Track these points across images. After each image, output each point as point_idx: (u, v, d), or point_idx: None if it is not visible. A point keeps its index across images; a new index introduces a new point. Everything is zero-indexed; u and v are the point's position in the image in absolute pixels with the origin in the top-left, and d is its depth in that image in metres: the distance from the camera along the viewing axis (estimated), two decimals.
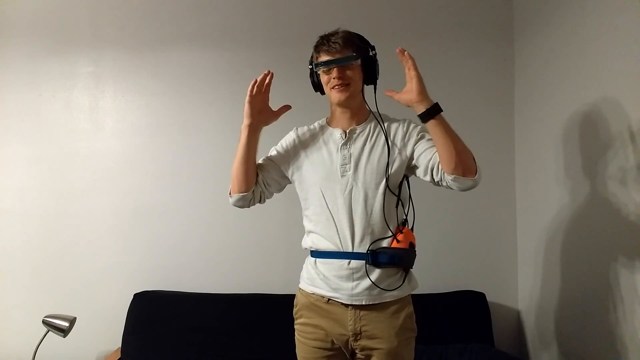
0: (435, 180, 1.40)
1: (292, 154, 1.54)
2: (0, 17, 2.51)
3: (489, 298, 2.30)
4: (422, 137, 1.45)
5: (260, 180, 1.53)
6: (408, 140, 1.46)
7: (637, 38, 1.56)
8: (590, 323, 1.83)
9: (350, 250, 1.43)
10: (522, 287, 2.40)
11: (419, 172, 1.45)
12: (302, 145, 1.54)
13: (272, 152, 1.59)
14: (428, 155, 1.41)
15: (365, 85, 1.51)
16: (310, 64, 1.51)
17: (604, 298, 1.74)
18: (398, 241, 1.42)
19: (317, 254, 1.50)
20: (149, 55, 2.50)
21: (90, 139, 2.50)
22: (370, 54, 1.46)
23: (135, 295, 2.37)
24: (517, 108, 2.42)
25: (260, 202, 1.57)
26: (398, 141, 1.47)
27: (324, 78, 1.47)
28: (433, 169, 1.40)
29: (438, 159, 1.37)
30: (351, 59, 1.41)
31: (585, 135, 1.85)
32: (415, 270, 1.49)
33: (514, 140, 2.43)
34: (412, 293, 1.49)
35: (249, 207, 1.57)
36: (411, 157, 1.45)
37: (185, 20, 2.50)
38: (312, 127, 1.58)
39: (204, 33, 2.50)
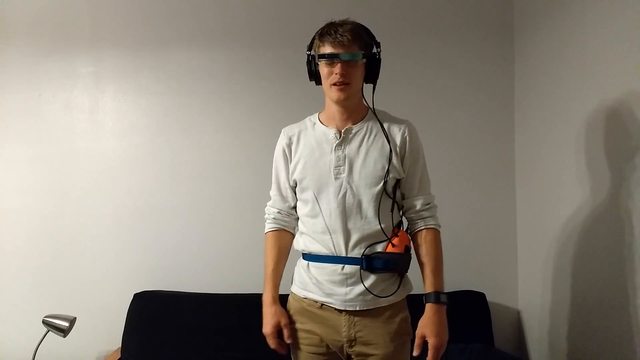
0: (402, 211, 1.49)
1: (287, 161, 1.50)
2: (0, 17, 2.51)
3: (489, 298, 2.30)
4: (415, 162, 1.45)
5: (289, 213, 1.53)
6: (404, 153, 1.43)
7: (637, 38, 1.56)
8: (591, 322, 1.83)
9: (343, 254, 1.38)
10: (522, 287, 2.40)
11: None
12: (294, 147, 1.49)
13: (275, 174, 1.54)
14: (407, 192, 1.46)
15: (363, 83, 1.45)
16: (309, 49, 1.43)
17: (604, 297, 1.74)
18: (393, 245, 1.38)
19: (309, 257, 1.45)
20: (149, 55, 2.50)
21: (90, 139, 2.50)
22: (375, 51, 1.40)
23: (135, 295, 2.36)
24: (517, 108, 2.41)
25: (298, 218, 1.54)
26: (396, 146, 1.42)
27: (323, 70, 1.38)
28: (404, 207, 1.48)
29: (411, 205, 1.46)
30: (358, 58, 1.34)
31: (585, 134, 1.85)
32: (415, 270, 1.48)
33: (514, 140, 2.43)
34: (411, 294, 1.47)
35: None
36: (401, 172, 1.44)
37: (185, 20, 2.50)
38: (302, 123, 1.52)
39: (203, 33, 2.49)
